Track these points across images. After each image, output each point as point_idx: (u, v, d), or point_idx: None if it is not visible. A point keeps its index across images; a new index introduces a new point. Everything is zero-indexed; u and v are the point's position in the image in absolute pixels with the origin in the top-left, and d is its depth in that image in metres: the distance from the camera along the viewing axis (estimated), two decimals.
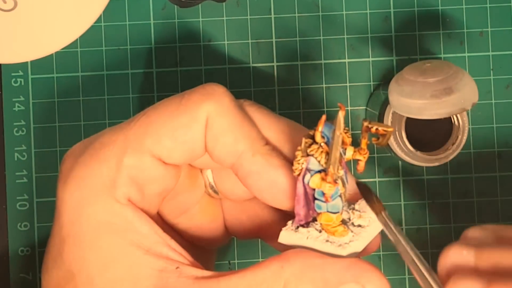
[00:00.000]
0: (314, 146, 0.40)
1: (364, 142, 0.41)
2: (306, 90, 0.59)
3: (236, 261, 0.59)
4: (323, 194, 0.40)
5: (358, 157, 0.41)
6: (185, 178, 0.46)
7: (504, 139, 0.59)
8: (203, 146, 0.43)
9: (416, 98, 0.48)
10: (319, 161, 0.40)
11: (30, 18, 0.54)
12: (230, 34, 0.59)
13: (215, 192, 0.47)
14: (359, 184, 0.43)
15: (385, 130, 0.41)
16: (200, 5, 0.58)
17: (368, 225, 0.42)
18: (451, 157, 0.55)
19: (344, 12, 0.59)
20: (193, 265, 0.42)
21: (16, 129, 0.58)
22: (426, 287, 0.39)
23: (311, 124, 0.41)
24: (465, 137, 0.55)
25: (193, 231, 0.47)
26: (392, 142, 0.55)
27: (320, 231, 0.41)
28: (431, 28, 0.59)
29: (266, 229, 0.47)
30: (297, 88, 0.59)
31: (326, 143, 0.40)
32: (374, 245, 0.43)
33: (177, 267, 0.41)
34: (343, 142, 0.40)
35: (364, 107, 0.59)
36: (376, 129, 0.41)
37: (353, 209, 0.42)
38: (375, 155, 0.59)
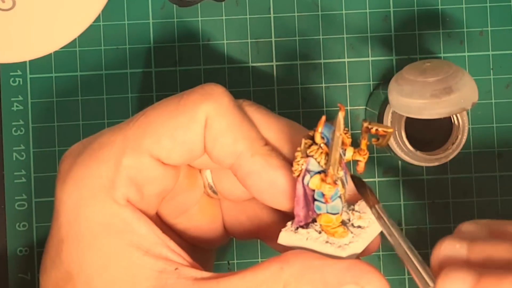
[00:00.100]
0: (314, 147, 0.40)
1: (363, 143, 0.41)
2: (305, 89, 0.59)
3: (235, 261, 0.58)
4: (323, 195, 0.39)
5: (358, 157, 0.41)
6: (184, 178, 0.45)
7: (504, 139, 0.59)
8: (202, 146, 0.43)
9: (416, 97, 0.48)
10: (318, 162, 0.40)
11: (28, 17, 0.54)
12: (229, 33, 0.59)
13: (214, 192, 0.47)
14: (353, 178, 0.43)
15: (385, 131, 0.41)
16: (199, 4, 0.58)
17: (368, 226, 0.42)
18: (451, 157, 0.55)
19: (343, 12, 0.59)
20: (192, 266, 0.42)
21: (14, 128, 0.58)
22: (418, 279, 0.39)
23: (311, 124, 0.41)
24: (465, 137, 0.55)
25: (192, 232, 0.47)
26: (392, 142, 0.55)
27: (320, 232, 0.41)
28: (431, 27, 0.59)
29: (265, 230, 0.47)
30: (296, 88, 0.59)
31: (326, 144, 0.40)
32: (374, 246, 0.43)
33: (176, 268, 0.41)
34: (343, 143, 0.40)
35: (364, 107, 0.59)
36: (376, 129, 0.41)
37: (353, 210, 0.42)
38: (375, 155, 0.59)
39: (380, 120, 0.55)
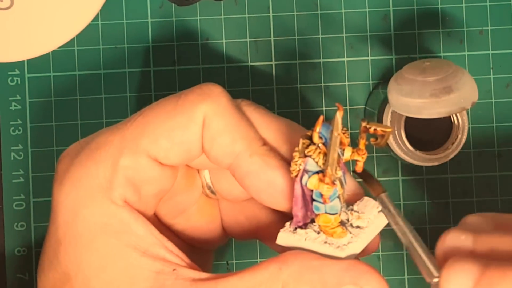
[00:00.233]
0: (312, 147, 0.40)
1: (362, 143, 0.41)
2: (304, 89, 0.59)
3: (234, 261, 0.58)
4: (321, 195, 0.39)
5: (356, 157, 0.41)
6: (182, 178, 0.45)
7: (504, 138, 0.59)
8: (200, 146, 0.42)
9: (415, 97, 0.48)
10: (316, 162, 0.39)
11: (26, 16, 0.54)
12: (228, 32, 0.59)
13: (213, 192, 0.47)
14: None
15: (383, 131, 0.40)
16: (197, 3, 0.58)
17: (367, 226, 0.41)
18: (451, 156, 0.55)
19: (343, 11, 0.59)
20: (190, 267, 0.42)
21: (12, 128, 0.58)
22: (423, 269, 0.39)
23: (310, 123, 0.41)
24: (464, 137, 0.55)
25: (190, 232, 0.47)
26: (391, 141, 0.55)
27: (318, 233, 0.41)
28: (431, 26, 0.59)
29: (264, 230, 0.47)
30: (295, 87, 0.59)
31: (324, 144, 0.40)
32: (373, 247, 0.43)
33: (174, 269, 0.41)
34: (341, 143, 0.40)
35: (363, 106, 0.59)
36: (375, 129, 0.40)
37: (352, 210, 0.42)
38: (374, 154, 0.59)
39: (379, 119, 0.55)
